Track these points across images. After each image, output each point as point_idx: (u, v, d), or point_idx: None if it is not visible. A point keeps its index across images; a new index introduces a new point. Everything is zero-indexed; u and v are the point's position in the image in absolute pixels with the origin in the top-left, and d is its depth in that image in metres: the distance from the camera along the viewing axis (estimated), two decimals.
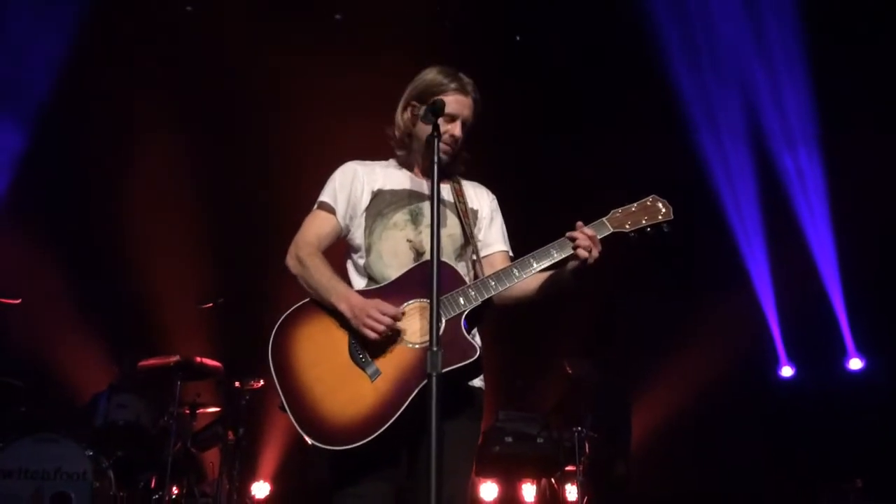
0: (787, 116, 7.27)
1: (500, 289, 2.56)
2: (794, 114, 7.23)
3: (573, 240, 2.53)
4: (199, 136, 7.27)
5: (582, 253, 2.51)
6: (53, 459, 5.12)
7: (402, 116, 2.85)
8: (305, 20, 7.02)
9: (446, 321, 2.47)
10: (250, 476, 7.08)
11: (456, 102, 2.75)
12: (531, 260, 2.59)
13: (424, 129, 2.68)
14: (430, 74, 2.81)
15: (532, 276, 2.60)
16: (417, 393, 2.38)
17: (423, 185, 2.83)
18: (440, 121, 2.60)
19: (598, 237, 2.58)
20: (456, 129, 2.75)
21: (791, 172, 7.33)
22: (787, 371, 7.54)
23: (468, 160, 2.93)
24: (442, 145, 2.63)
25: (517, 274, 2.58)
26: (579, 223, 2.57)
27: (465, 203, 2.85)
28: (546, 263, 2.59)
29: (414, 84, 2.84)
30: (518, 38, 7.50)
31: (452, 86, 2.76)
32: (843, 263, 7.12)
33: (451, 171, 2.88)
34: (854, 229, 6.94)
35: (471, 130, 2.85)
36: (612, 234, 2.62)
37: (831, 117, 7.03)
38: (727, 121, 7.48)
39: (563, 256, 2.57)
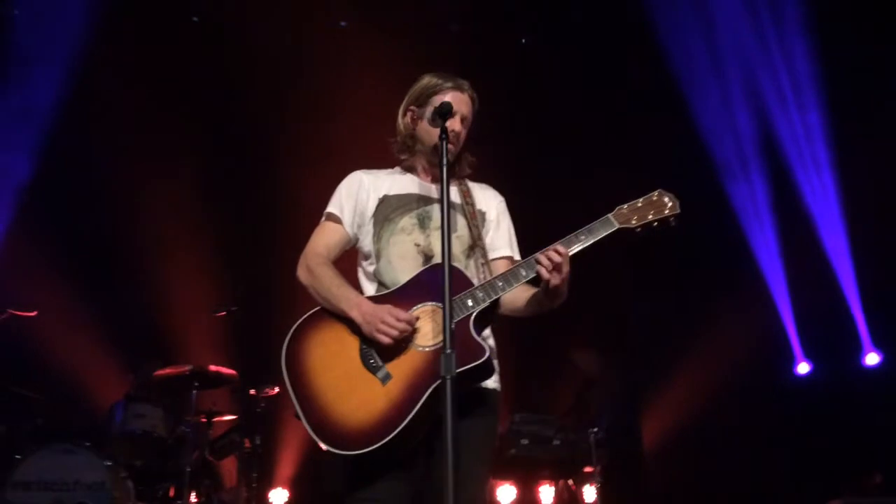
0: (801, 111, 7.24)
1: (508, 289, 2.56)
2: (809, 108, 7.19)
3: (538, 262, 2.53)
4: (211, 146, 7.32)
5: (543, 273, 2.51)
6: (72, 470, 5.16)
7: (402, 122, 2.90)
8: (311, 28, 7.04)
9: (455, 323, 2.44)
10: (268, 483, 7.10)
11: (453, 99, 2.78)
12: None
13: (425, 130, 2.78)
14: (426, 79, 2.88)
15: (526, 286, 2.61)
16: (429, 395, 2.38)
17: (431, 189, 2.85)
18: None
19: (603, 234, 2.59)
20: (455, 124, 2.77)
21: (804, 166, 7.29)
22: (803, 368, 7.49)
23: (474, 163, 2.95)
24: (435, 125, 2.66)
25: (524, 274, 2.57)
26: (553, 245, 2.54)
27: (472, 205, 2.86)
28: None
29: (411, 90, 2.90)
30: (523, 40, 7.49)
31: (448, 84, 2.83)
32: (856, 257, 7.07)
33: (457, 171, 2.89)
34: (868, 222, 6.89)
35: (472, 130, 2.89)
36: (618, 230, 2.62)
37: (845, 110, 6.99)
38: (738, 115, 7.45)
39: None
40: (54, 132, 6.98)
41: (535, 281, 2.59)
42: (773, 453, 7.07)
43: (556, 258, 2.50)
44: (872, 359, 7.07)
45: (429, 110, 2.79)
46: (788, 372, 7.51)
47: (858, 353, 7.11)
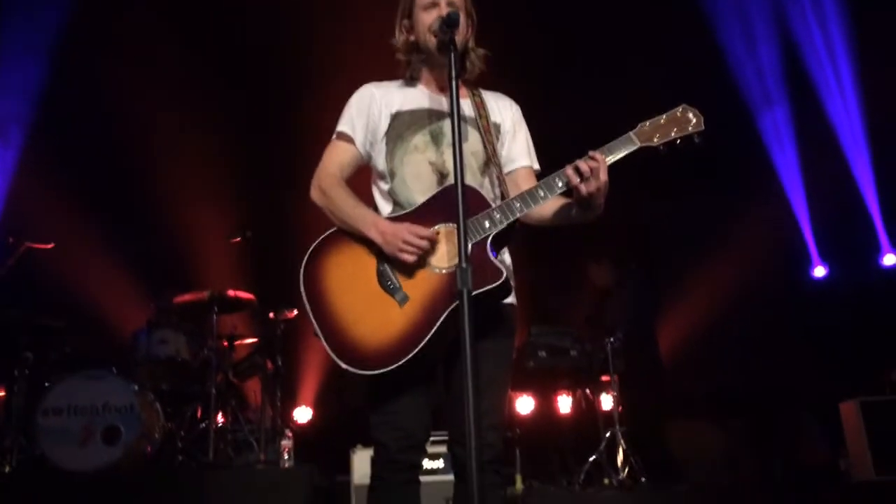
0: (822, 12, 7.01)
1: (526, 210, 2.51)
2: (830, 10, 6.97)
3: (574, 168, 2.45)
4: (224, 70, 7.22)
5: (573, 180, 2.44)
6: (101, 395, 5.29)
7: (399, 40, 2.81)
8: None
9: (472, 245, 2.44)
10: (291, 402, 7.29)
11: None
12: (556, 179, 2.52)
13: (420, 30, 2.70)
14: None
15: (556, 197, 2.55)
16: (447, 316, 2.39)
17: (442, 102, 2.76)
18: (423, 13, 2.67)
19: (624, 153, 2.51)
20: (441, 11, 2.65)
21: (823, 68, 7.11)
22: (820, 271, 7.49)
23: (485, 56, 2.80)
24: (434, 32, 2.59)
25: (542, 195, 2.52)
26: (591, 153, 2.46)
27: (486, 117, 2.78)
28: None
29: (399, 9, 2.81)
30: None
31: None
32: (874, 157, 6.97)
33: (468, 70, 2.75)
34: (886, 122, 6.77)
35: (475, 20, 2.78)
36: (640, 148, 2.53)
37: (868, 15, 6.76)
38: (756, 18, 7.23)
39: None
40: (66, 60, 6.90)
41: (568, 191, 2.53)
42: (791, 356, 7.15)
43: (592, 164, 2.44)
44: (890, 259, 7.05)
45: (417, 13, 2.71)
46: (805, 275, 7.52)
47: (876, 253, 7.08)
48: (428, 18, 2.68)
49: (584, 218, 2.59)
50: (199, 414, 6.06)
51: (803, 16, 7.06)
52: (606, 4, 6.97)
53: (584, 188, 2.45)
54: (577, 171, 2.45)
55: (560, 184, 2.52)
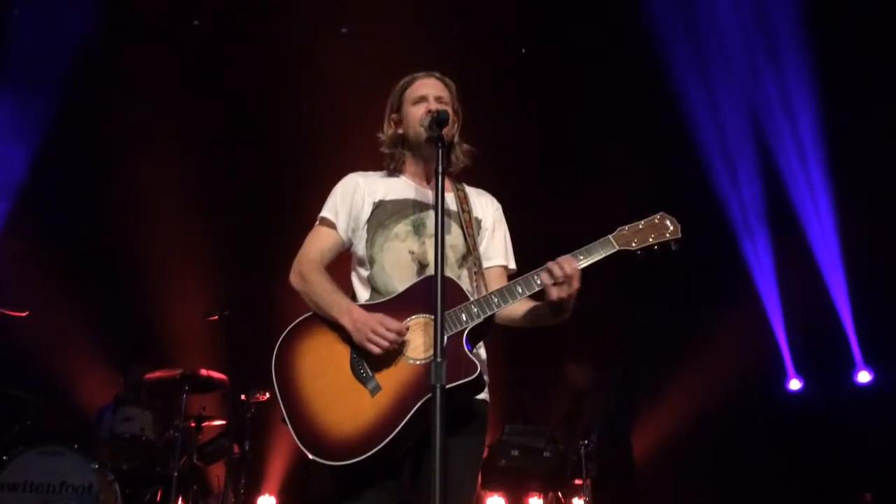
0: (796, 126, 7.25)
1: (503, 306, 2.53)
2: (804, 123, 7.21)
3: (548, 272, 2.50)
4: (207, 148, 7.31)
5: (549, 287, 2.48)
6: (59, 473, 5.14)
7: (387, 133, 2.90)
8: (312, 32, 7.05)
9: (448, 338, 2.42)
10: (256, 490, 7.06)
11: (421, 87, 2.84)
12: (535, 277, 2.55)
13: (410, 123, 2.79)
14: (395, 87, 2.92)
15: (525, 298, 2.57)
16: (417, 409, 2.36)
17: (427, 195, 2.82)
18: (413, 107, 2.78)
19: (602, 255, 2.56)
20: (430, 105, 2.77)
21: (799, 182, 7.30)
22: (795, 384, 7.50)
23: (470, 151, 2.89)
24: (425, 128, 2.65)
25: (520, 291, 2.54)
26: (561, 258, 2.52)
27: (468, 212, 2.83)
28: None
29: (388, 104, 2.93)
30: (524, 50, 7.50)
31: (412, 77, 2.88)
32: (850, 274, 7.08)
33: (453, 163, 2.84)
34: (862, 239, 6.91)
35: (460, 116, 2.88)
36: (618, 251, 2.58)
37: (840, 127, 7.00)
38: (734, 131, 7.47)
39: None
40: (50, 133, 6.97)
41: (536, 295, 2.56)
42: (764, 469, 7.06)
43: (568, 270, 2.48)
44: (864, 377, 7.08)
45: (407, 107, 2.82)
46: (780, 388, 7.51)
47: (851, 370, 7.11)
48: (418, 112, 2.77)
49: (552, 321, 2.63)
50: (158, 497, 5.86)
51: (784, 151, 7.30)
52: (592, 125, 7.23)
53: (556, 292, 2.49)
54: (552, 273, 2.49)
55: (539, 282, 2.54)
